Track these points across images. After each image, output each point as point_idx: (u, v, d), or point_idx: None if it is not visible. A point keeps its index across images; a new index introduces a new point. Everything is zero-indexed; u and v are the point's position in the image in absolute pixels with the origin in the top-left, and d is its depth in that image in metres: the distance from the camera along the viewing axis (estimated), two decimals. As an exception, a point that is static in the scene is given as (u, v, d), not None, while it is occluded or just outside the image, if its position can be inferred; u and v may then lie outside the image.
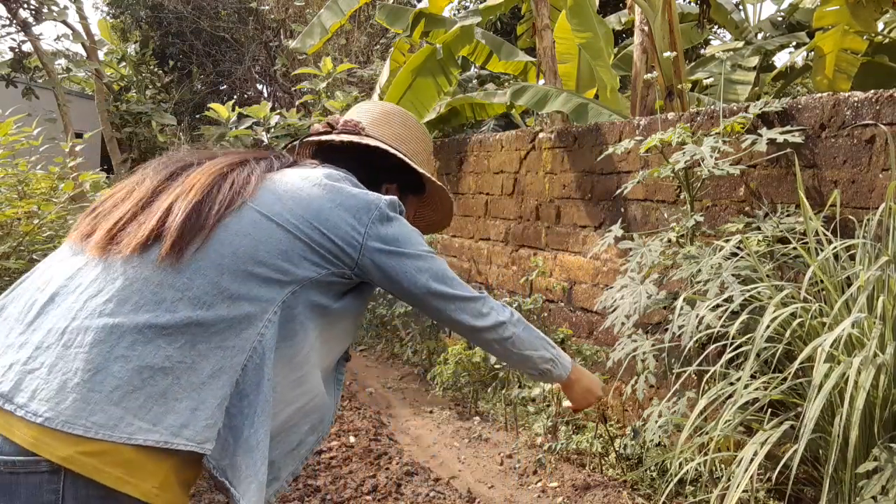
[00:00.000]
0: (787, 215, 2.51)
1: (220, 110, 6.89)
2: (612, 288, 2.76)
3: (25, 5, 8.21)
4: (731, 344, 2.08)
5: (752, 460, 1.84)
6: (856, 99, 2.40)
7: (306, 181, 1.20)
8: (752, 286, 2.15)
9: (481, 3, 6.34)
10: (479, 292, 1.30)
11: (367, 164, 1.37)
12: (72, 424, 0.93)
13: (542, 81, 5.36)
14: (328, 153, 1.39)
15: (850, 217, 2.38)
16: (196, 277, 1.04)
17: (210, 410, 1.00)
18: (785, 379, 1.95)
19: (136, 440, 0.95)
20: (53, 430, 0.92)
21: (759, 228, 2.51)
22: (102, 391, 0.95)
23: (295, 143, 1.47)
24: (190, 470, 1.04)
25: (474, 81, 9.03)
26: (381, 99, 6.05)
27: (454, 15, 6.58)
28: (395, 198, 1.25)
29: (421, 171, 1.42)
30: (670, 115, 3.16)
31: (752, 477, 1.93)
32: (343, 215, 1.16)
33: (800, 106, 2.59)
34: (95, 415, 0.94)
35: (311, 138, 1.40)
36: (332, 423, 1.29)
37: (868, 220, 2.23)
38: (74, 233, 1.14)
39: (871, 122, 2.35)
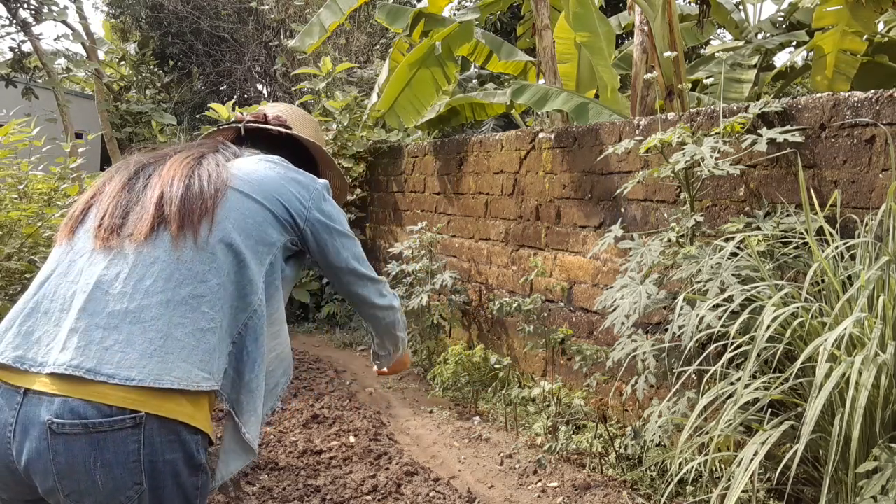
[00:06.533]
0: (788, 215, 2.51)
1: (220, 110, 6.88)
2: (612, 288, 2.76)
3: (25, 5, 8.21)
4: (732, 344, 2.07)
5: (752, 460, 1.83)
6: (856, 99, 2.40)
7: (262, 165, 1.46)
8: (753, 286, 2.15)
9: (481, 2, 6.35)
10: (380, 277, 1.60)
11: (292, 155, 1.64)
12: (161, 380, 1.15)
13: (541, 81, 5.36)
14: (257, 140, 1.65)
15: (851, 216, 2.37)
16: (217, 250, 1.28)
17: (224, 358, 1.27)
18: (786, 379, 1.95)
19: (202, 387, 1.20)
20: (137, 387, 1.14)
21: (759, 228, 2.51)
22: (174, 352, 1.19)
23: (234, 123, 1.68)
24: (213, 401, 1.30)
25: (474, 81, 9.03)
26: (378, 97, 6.05)
27: (453, 15, 6.58)
28: (327, 182, 1.53)
29: (336, 166, 1.78)
30: (670, 115, 3.16)
31: (752, 477, 1.93)
32: (293, 189, 1.44)
33: (800, 106, 2.59)
34: (175, 371, 1.17)
35: (250, 124, 1.66)
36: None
37: (868, 219, 2.23)
38: (66, 230, 1.34)
39: (871, 121, 2.35)
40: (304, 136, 1.70)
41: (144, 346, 1.17)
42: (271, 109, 1.74)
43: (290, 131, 1.67)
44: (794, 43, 6.04)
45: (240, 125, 1.67)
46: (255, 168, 1.44)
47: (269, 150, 1.60)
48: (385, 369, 1.86)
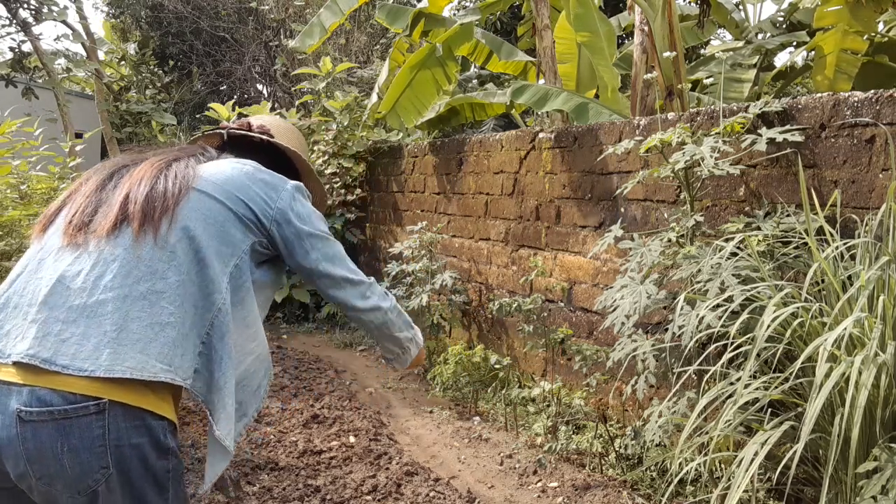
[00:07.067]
0: (788, 215, 2.51)
1: (220, 110, 6.88)
2: (612, 288, 2.76)
3: (25, 5, 8.21)
4: (732, 344, 2.07)
5: (752, 460, 1.83)
6: (856, 99, 2.40)
7: (230, 166, 1.48)
8: (753, 286, 2.15)
9: (481, 2, 6.36)
10: (366, 278, 1.58)
11: (273, 164, 1.63)
12: (112, 370, 1.19)
13: (542, 81, 5.36)
14: (239, 148, 1.68)
15: (851, 216, 2.37)
16: (177, 248, 1.31)
17: (191, 356, 1.30)
18: (786, 379, 1.95)
19: (160, 378, 1.23)
20: (98, 377, 1.18)
21: (759, 228, 2.51)
22: (128, 343, 1.22)
23: (218, 129, 1.72)
24: (177, 394, 1.35)
25: (474, 81, 9.03)
26: (379, 98, 6.05)
27: (454, 15, 6.57)
28: (300, 183, 1.54)
29: (315, 176, 1.78)
30: (670, 115, 3.16)
31: (752, 477, 1.93)
32: (257, 189, 1.45)
33: (800, 106, 2.59)
34: (127, 361, 1.21)
35: (233, 130, 1.69)
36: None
37: (868, 219, 2.23)
38: (38, 228, 1.40)
39: (871, 121, 2.35)
40: (284, 144, 1.71)
41: (99, 339, 1.21)
42: (256, 120, 1.77)
43: (271, 139, 1.69)
44: (795, 43, 6.04)
45: (223, 131, 1.70)
46: (222, 169, 1.46)
47: (250, 158, 1.61)
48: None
